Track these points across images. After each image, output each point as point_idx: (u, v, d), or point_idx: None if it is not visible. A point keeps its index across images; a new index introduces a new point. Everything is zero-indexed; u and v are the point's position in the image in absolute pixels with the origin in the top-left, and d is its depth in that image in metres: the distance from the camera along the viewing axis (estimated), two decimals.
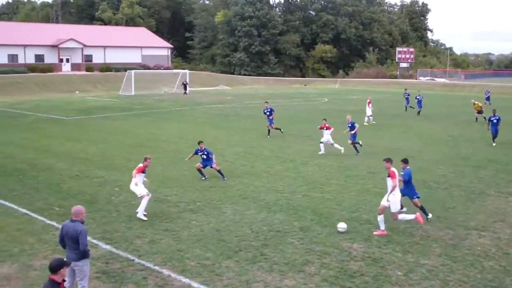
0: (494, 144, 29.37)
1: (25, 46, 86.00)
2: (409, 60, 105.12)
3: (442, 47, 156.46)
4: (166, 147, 28.28)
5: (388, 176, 14.91)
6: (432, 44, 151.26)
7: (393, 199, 14.80)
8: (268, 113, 32.49)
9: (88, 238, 10.50)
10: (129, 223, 15.44)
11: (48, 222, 15.60)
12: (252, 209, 16.96)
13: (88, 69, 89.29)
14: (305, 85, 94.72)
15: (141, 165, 16.56)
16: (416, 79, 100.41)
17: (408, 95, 48.61)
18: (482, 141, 31.12)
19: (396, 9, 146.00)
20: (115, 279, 11.76)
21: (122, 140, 30.85)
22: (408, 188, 15.80)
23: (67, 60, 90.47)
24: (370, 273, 12.08)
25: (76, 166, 23.16)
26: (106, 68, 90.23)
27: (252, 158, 25.51)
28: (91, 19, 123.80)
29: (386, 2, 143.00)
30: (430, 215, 15.89)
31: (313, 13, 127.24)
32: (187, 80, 73.01)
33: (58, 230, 11.29)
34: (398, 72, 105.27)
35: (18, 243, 13.87)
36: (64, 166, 23.45)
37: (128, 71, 75.03)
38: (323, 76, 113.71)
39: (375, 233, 14.62)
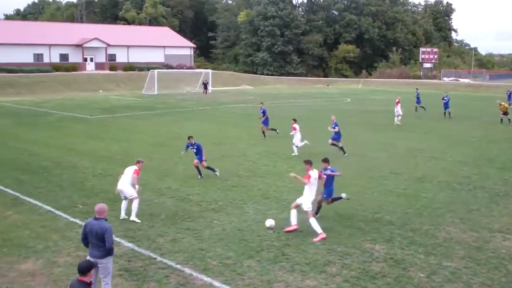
0: None
1: (50, 45, 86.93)
2: (433, 61, 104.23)
3: (467, 47, 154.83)
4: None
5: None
6: (456, 44, 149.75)
7: (304, 199, 14.56)
8: (262, 114, 31.89)
9: (113, 237, 10.57)
10: (151, 222, 15.52)
11: (72, 219, 15.76)
12: (274, 209, 16.95)
13: (112, 68, 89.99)
14: (327, 85, 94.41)
15: (136, 167, 15.99)
16: (440, 79, 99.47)
17: (419, 94, 47.96)
18: (507, 142, 30.77)
19: (420, 9, 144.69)
20: (137, 277, 11.83)
21: (144, 139, 31.04)
22: (327, 189, 15.62)
23: (91, 60, 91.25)
24: (392, 275, 12.01)
25: (99, 164, 23.36)
26: (129, 67, 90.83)
27: (274, 157, 25.50)
28: (115, 19, 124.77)
29: (410, 2, 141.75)
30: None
31: (336, 13, 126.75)
32: (208, 80, 73.20)
33: (81, 228, 11.37)
34: (421, 73, 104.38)
35: (43, 239, 14.03)
36: (88, 164, 23.67)
37: (151, 70, 75.42)
38: (346, 76, 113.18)
39: (315, 239, 14.00)
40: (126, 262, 12.62)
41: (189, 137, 21.38)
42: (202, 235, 14.42)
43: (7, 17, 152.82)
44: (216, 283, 11.54)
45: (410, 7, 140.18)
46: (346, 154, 25.97)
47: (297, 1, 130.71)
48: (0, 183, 20.11)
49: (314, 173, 14.67)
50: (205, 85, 70.58)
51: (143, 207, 16.95)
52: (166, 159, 24.88)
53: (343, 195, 16.03)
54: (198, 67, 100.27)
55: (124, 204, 15.88)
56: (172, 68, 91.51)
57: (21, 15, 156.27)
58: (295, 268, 12.31)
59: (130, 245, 13.70)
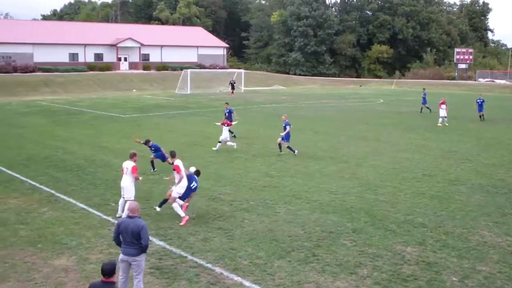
0: None
1: (85, 45, 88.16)
2: (468, 61, 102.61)
3: (503, 47, 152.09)
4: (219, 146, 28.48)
5: (174, 170, 15.86)
6: (492, 44, 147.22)
7: (176, 188, 15.72)
8: (227, 115, 31.08)
9: (148, 235, 10.70)
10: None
11: (105, 217, 15.97)
12: (305, 209, 16.91)
13: (145, 68, 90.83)
14: (360, 86, 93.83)
15: (133, 164, 15.89)
16: (475, 80, 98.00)
17: (426, 94, 47.05)
18: None
19: (455, 9, 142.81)
20: (168, 275, 11.92)
21: (177, 138, 31.24)
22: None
23: (125, 59, 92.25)
24: (424, 278, 11.88)
25: None
26: (162, 67, 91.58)
27: (306, 158, 25.43)
28: (149, 19, 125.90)
29: (445, 2, 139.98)
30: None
31: (369, 13, 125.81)
32: (234, 79, 73.33)
33: (114, 226, 11.50)
34: (456, 74, 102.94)
35: (76, 236, 14.25)
36: (121, 163, 23.75)
37: (184, 70, 75.92)
38: (379, 77, 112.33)
39: (181, 224, 15.12)
40: (157, 260, 12.72)
41: (147, 142, 22.13)
42: (233, 235, 14.46)
43: (44, 18, 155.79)
44: (246, 283, 11.56)
45: (445, 7, 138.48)
46: (296, 152, 25.96)
47: (331, 1, 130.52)
48: (36, 181, 20.49)
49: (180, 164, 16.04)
50: (232, 85, 70.79)
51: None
52: (198, 159, 24.98)
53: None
54: (231, 67, 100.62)
55: (122, 201, 16.02)
56: (205, 68, 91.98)
57: (57, 16, 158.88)
58: (325, 269, 12.26)
59: (162, 243, 13.82)
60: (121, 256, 10.47)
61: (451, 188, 19.93)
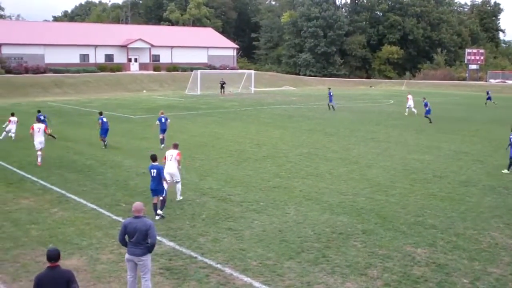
0: None
1: (96, 46, 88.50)
2: (479, 62, 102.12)
3: None
4: (230, 146, 28.50)
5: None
6: (504, 45, 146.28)
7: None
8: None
9: (156, 234, 10.75)
10: (193, 221, 15.65)
11: (115, 217, 16.01)
12: (315, 210, 16.90)
13: (156, 68, 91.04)
14: (370, 87, 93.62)
15: (178, 151, 17.92)
16: (486, 81, 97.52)
17: (426, 104, 46.77)
18: None
19: (466, 9, 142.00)
20: (178, 275, 11.95)
21: (187, 139, 31.28)
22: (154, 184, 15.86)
23: (135, 60, 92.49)
24: (434, 279, 11.83)
25: (142, 163, 23.57)
26: (173, 67, 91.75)
27: (316, 159, 25.40)
28: (159, 20, 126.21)
29: (456, 2, 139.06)
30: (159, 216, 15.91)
31: (379, 13, 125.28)
32: (225, 80, 72.79)
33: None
34: (467, 74, 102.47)
35: (87, 236, 14.31)
36: (131, 164, 24.02)
37: (194, 71, 76.00)
38: (389, 78, 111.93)
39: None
40: (167, 260, 12.76)
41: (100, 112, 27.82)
42: (243, 235, 14.47)
43: (55, 19, 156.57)
44: (256, 284, 11.56)
45: (456, 8, 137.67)
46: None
47: (341, 2, 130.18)
48: (47, 181, 20.60)
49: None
50: (221, 85, 70.83)
51: (184, 207, 17.13)
52: (208, 159, 25.04)
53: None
54: (241, 68, 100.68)
55: (178, 186, 17.73)
56: (215, 68, 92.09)
57: (68, 17, 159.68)
58: (335, 270, 12.24)
59: (172, 244, 13.85)
60: (127, 256, 10.57)
61: (462, 189, 19.84)
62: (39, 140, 23.67)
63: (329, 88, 52.67)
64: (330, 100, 49.33)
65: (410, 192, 19.27)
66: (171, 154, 17.56)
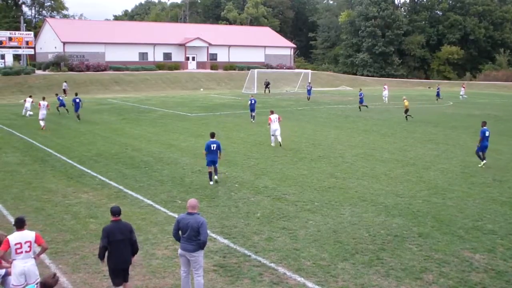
0: None
1: (154, 44, 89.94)
2: None
3: None
4: (286, 146, 28.45)
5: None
6: None
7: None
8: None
9: (207, 231, 10.86)
10: (247, 220, 15.71)
11: (170, 214, 16.23)
12: (370, 211, 16.71)
13: (213, 67, 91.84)
14: (429, 88, 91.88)
15: (278, 115, 24.63)
16: None
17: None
18: None
19: None
20: (232, 273, 12.01)
21: (243, 137, 31.46)
22: None
23: (193, 59, 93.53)
24: (493, 287, 11.49)
25: (198, 161, 23.85)
26: (230, 66, 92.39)
27: (372, 160, 25.12)
28: (217, 19, 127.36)
29: None
30: None
31: (439, 13, 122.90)
32: (269, 80, 72.77)
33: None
34: None
35: (143, 232, 14.54)
36: (187, 161, 24.30)
37: (251, 70, 76.25)
38: (449, 79, 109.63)
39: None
40: (221, 258, 12.85)
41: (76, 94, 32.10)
42: (297, 235, 14.44)
43: (116, 18, 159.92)
44: (309, 284, 11.51)
45: None
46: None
47: (399, 1, 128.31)
48: (105, 176, 21.08)
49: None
50: (266, 85, 70.75)
51: (239, 205, 17.22)
52: (264, 158, 25.10)
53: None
54: (298, 67, 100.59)
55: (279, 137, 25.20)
56: (272, 68, 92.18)
57: (128, 16, 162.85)
58: (390, 273, 12.07)
59: (226, 241, 13.94)
60: (179, 251, 10.73)
61: None
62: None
63: (360, 89, 52.70)
64: (361, 102, 48.73)
65: (468, 196, 18.81)
66: (276, 117, 27.83)
